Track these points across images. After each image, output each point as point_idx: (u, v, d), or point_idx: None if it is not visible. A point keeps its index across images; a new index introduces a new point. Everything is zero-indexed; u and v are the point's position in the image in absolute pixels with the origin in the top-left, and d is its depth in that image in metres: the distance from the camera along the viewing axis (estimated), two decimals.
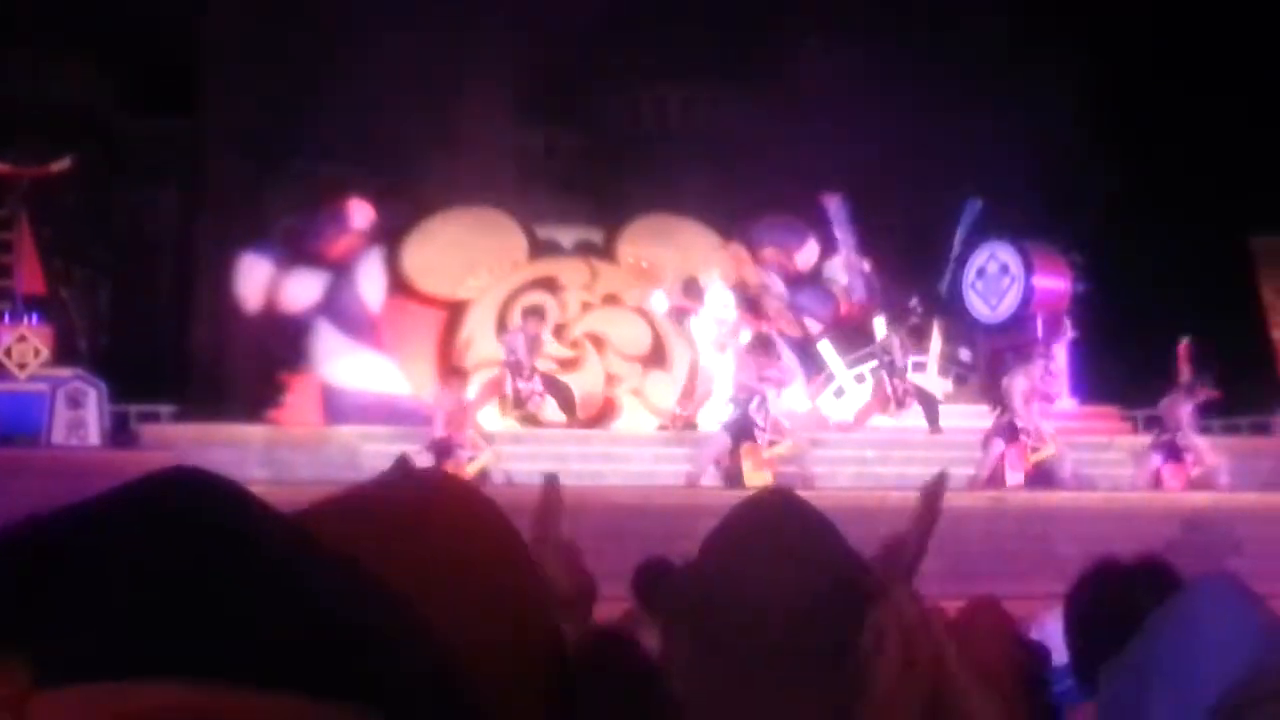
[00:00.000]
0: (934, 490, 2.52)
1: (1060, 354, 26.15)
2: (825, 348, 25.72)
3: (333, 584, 0.84)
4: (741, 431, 22.27)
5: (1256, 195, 27.31)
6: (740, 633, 2.19)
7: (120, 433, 23.02)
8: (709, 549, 2.30)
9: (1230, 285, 27.76)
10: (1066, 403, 25.46)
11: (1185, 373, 23.22)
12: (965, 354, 26.58)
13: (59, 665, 0.73)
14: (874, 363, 24.87)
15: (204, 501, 0.84)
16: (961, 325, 26.70)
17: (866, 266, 26.27)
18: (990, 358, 25.33)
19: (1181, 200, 29.16)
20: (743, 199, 26.71)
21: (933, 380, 25.15)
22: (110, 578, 0.78)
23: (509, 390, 23.61)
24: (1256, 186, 27.38)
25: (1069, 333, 23.51)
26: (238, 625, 0.79)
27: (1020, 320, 26.48)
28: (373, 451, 21.62)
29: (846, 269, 25.96)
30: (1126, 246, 29.56)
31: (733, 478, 21.99)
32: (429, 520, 1.25)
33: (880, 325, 25.15)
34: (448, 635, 0.89)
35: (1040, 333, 26.43)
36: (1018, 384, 22.90)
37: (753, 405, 22.26)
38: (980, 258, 26.93)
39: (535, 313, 24.26)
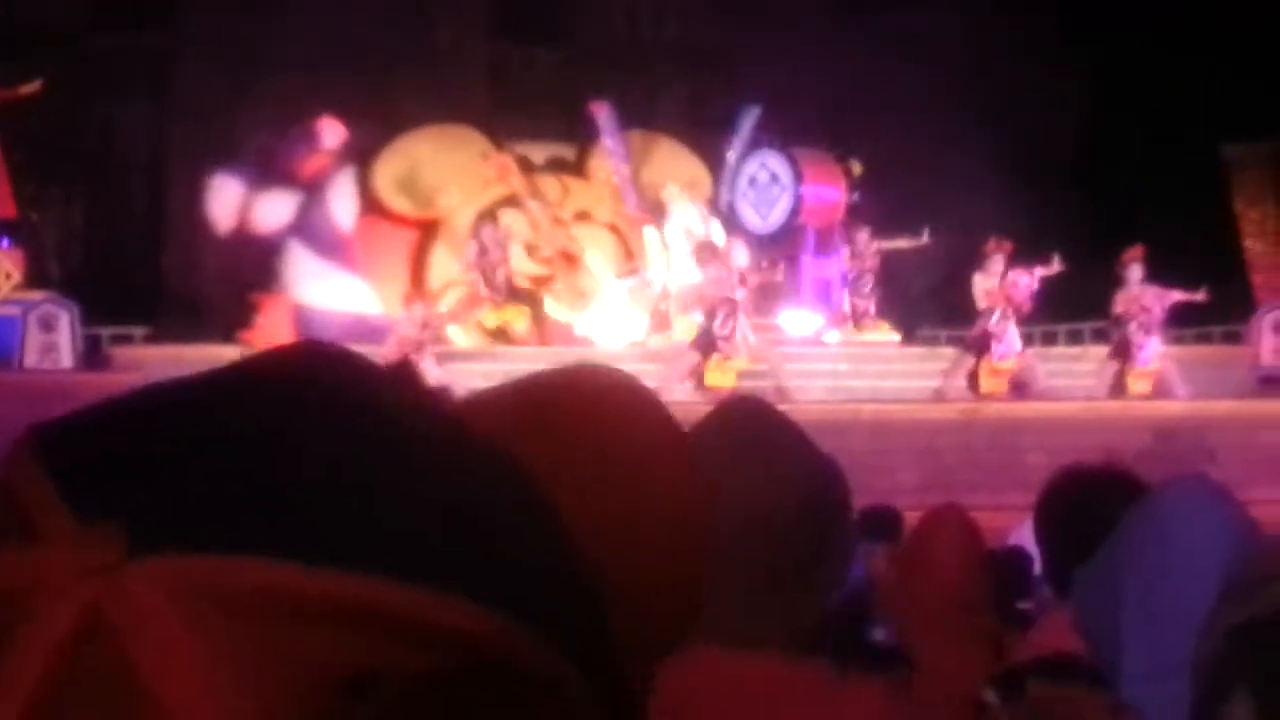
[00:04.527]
0: None
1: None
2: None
3: (473, 478, 0.76)
4: (709, 345, 22.24)
5: (1228, 103, 27.25)
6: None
7: (93, 355, 22.95)
8: None
9: (1202, 194, 27.74)
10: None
11: (1138, 272, 22.98)
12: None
13: (152, 536, 0.69)
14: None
15: (323, 371, 0.77)
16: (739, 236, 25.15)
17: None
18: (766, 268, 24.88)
19: (1153, 109, 29.08)
20: (715, 112, 26.58)
21: None
22: (210, 445, 0.72)
23: (484, 294, 23.71)
24: (1228, 94, 27.31)
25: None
26: (349, 505, 0.71)
27: (792, 231, 25.70)
28: None
29: (615, 177, 25.36)
30: (1101, 156, 29.51)
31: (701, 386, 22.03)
32: (600, 418, 1.19)
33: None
34: (593, 542, 0.81)
35: (811, 244, 25.70)
36: (979, 287, 22.88)
37: (716, 321, 22.23)
38: (751, 166, 26.07)
39: (490, 218, 24.34)
